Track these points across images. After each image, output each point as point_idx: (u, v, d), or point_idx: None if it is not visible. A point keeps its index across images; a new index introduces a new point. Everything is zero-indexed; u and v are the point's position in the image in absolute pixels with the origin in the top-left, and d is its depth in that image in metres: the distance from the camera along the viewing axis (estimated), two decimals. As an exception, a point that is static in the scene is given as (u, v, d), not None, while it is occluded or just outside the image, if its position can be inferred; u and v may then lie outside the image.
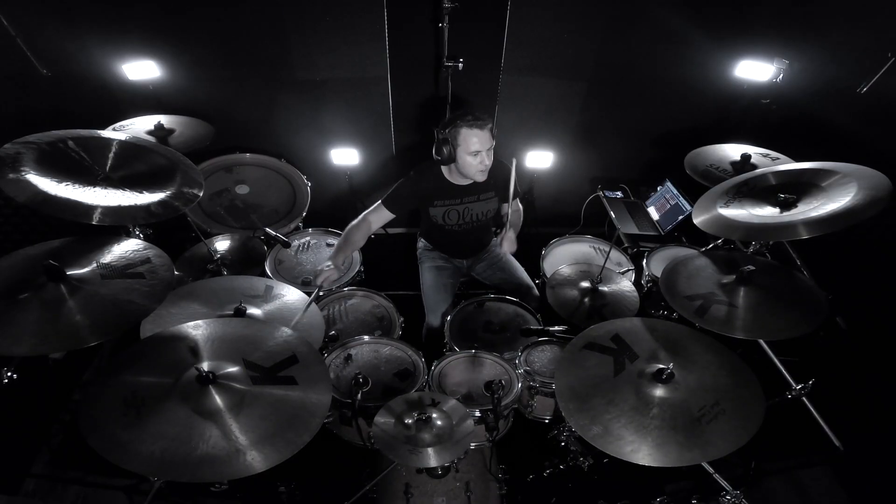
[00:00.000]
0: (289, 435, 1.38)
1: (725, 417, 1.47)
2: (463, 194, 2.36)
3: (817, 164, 2.02)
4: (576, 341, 1.75)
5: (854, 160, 1.94)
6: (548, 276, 2.44)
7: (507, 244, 2.43)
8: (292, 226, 2.70)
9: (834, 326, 2.61)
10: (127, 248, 1.74)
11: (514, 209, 2.53)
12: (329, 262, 2.31)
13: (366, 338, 2.13)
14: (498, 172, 2.38)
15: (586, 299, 2.22)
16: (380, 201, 2.37)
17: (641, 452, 1.40)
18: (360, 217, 2.39)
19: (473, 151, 2.16)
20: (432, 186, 2.34)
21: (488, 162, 2.21)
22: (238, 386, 1.46)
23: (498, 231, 2.59)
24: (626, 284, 2.31)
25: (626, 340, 1.72)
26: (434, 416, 1.67)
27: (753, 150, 2.55)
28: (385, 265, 2.65)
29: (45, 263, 1.51)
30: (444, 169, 2.31)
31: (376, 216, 2.37)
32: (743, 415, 1.48)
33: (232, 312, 1.83)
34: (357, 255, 2.54)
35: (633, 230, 2.97)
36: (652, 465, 1.38)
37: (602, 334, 1.75)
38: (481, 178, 2.26)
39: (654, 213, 3.08)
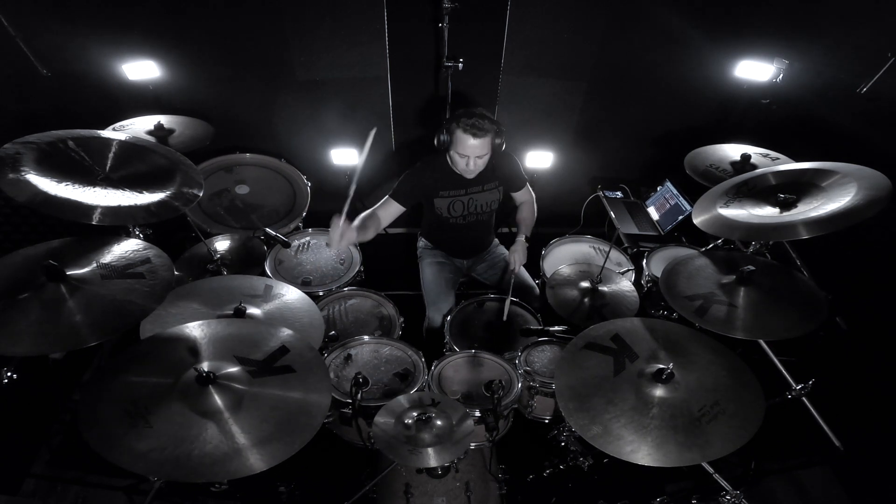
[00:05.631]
0: (295, 425, 1.39)
1: (725, 417, 1.47)
2: (468, 185, 2.37)
3: (817, 164, 2.02)
4: (576, 341, 1.75)
5: (854, 160, 1.93)
6: (548, 276, 2.44)
7: (518, 258, 2.40)
8: (292, 226, 2.70)
9: (834, 326, 2.61)
10: (127, 248, 1.74)
11: (525, 199, 2.55)
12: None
13: (366, 338, 2.13)
14: (503, 164, 2.39)
15: (586, 299, 2.22)
16: (388, 195, 2.36)
17: (641, 452, 1.40)
18: (369, 211, 2.33)
19: (461, 154, 2.19)
20: (438, 177, 2.34)
21: (474, 167, 2.22)
22: (238, 386, 1.45)
23: (512, 230, 2.60)
24: (625, 284, 2.31)
25: (626, 340, 1.72)
26: (434, 416, 1.67)
27: (753, 150, 2.55)
28: (385, 265, 2.65)
29: (45, 263, 1.51)
30: (448, 160, 2.31)
31: (385, 211, 2.33)
32: (743, 415, 1.48)
33: (232, 312, 1.84)
34: (357, 255, 2.54)
35: (633, 230, 2.97)
36: (652, 465, 1.38)
37: (602, 334, 1.75)
38: (469, 175, 2.28)
39: (654, 213, 3.08)
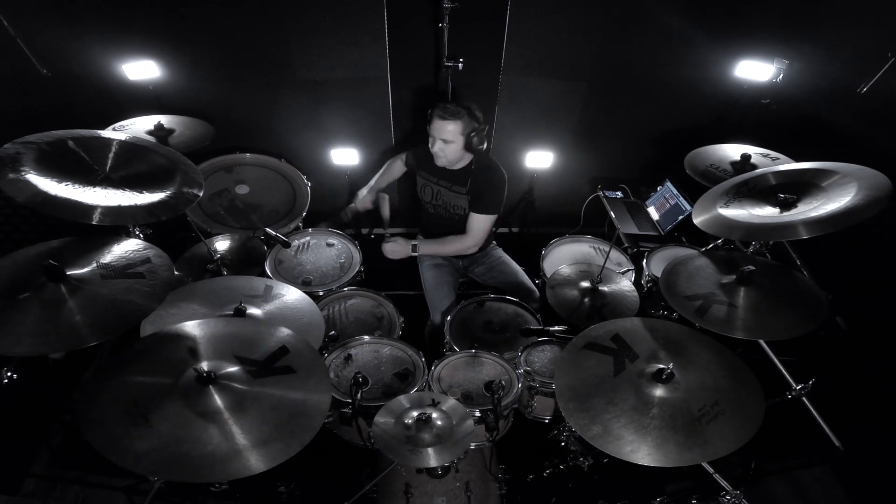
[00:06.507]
0: (294, 427, 1.39)
1: (725, 417, 1.47)
2: (440, 176, 2.44)
3: (817, 164, 2.02)
4: (576, 341, 1.75)
5: (854, 160, 1.94)
6: (548, 276, 2.44)
7: (388, 247, 2.44)
8: (292, 226, 2.70)
9: (834, 326, 2.61)
10: (127, 248, 1.74)
11: (470, 228, 2.43)
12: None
13: (366, 338, 2.13)
14: (480, 176, 2.37)
15: (586, 299, 2.22)
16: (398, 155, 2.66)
17: (641, 452, 1.40)
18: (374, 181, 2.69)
19: (430, 133, 2.31)
20: (423, 157, 2.45)
21: (438, 150, 2.30)
22: (238, 386, 1.45)
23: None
24: (626, 284, 2.31)
25: (626, 340, 1.72)
26: (434, 416, 1.67)
27: (753, 150, 2.55)
28: (385, 265, 2.65)
29: (45, 263, 1.51)
30: None
31: (392, 166, 2.67)
32: (743, 415, 1.48)
33: (232, 312, 1.83)
34: (357, 255, 2.55)
35: (633, 230, 2.97)
36: (652, 465, 1.38)
37: (602, 334, 1.75)
38: (437, 161, 2.36)
39: (654, 213, 3.07)
